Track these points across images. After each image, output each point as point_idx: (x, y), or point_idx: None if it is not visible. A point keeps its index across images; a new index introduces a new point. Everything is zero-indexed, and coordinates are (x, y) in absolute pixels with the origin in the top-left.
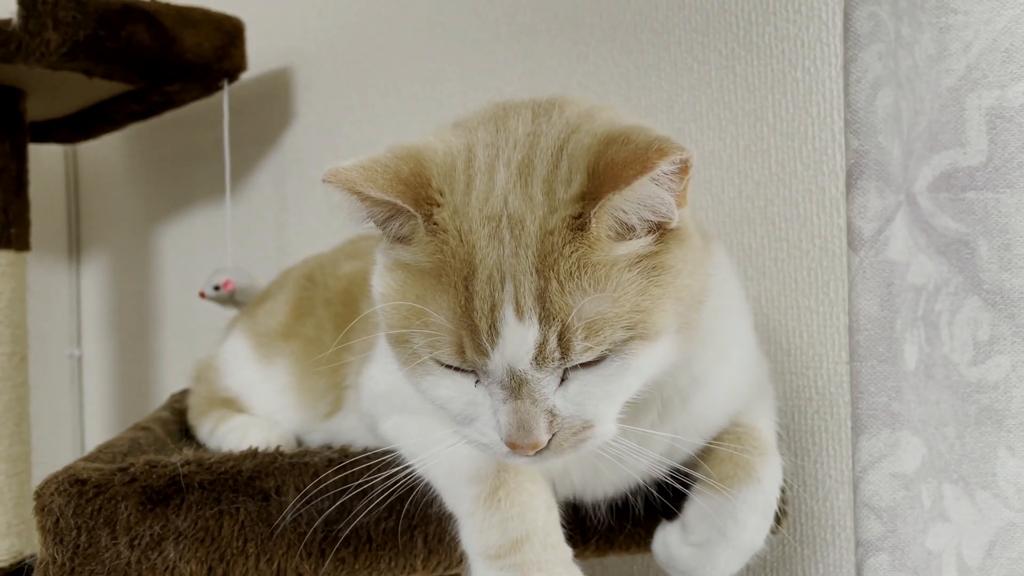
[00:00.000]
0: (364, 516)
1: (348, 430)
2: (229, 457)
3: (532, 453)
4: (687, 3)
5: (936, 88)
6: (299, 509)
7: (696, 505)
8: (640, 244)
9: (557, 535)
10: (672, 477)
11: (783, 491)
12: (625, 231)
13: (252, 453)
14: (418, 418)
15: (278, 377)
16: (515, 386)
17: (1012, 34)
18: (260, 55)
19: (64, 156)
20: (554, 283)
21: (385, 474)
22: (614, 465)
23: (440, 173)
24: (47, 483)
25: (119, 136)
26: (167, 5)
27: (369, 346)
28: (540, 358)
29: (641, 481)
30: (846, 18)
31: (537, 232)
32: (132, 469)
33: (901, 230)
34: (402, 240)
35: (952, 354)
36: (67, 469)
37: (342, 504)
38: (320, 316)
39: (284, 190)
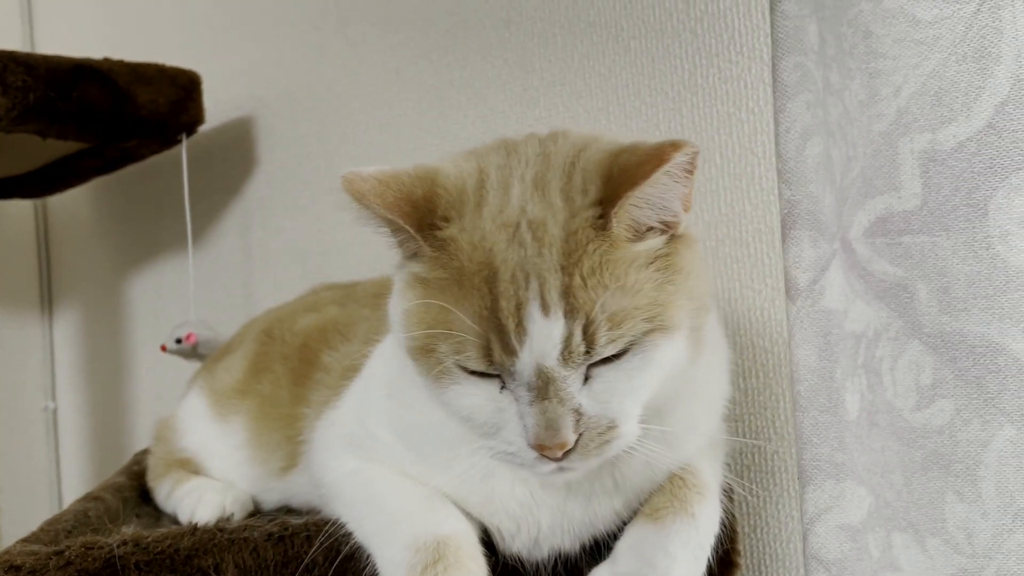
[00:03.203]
0: None
1: (304, 486)
2: (167, 535)
3: (560, 454)
4: (632, 47)
5: (868, 133)
6: None
7: (627, 535)
8: (655, 243)
9: None
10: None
11: (734, 538)
12: (641, 231)
13: (191, 530)
14: (376, 469)
15: (234, 434)
16: (542, 386)
17: (940, 77)
18: (220, 104)
19: (34, 210)
20: (578, 279)
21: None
22: (584, 504)
23: (449, 197)
24: None
25: (88, 188)
26: (120, 63)
27: (327, 399)
28: (566, 352)
29: (604, 529)
30: (774, 69)
31: (560, 233)
32: (67, 552)
33: (837, 278)
34: (415, 255)
35: (896, 400)
36: (2, 555)
37: None
38: (276, 372)
39: (249, 239)
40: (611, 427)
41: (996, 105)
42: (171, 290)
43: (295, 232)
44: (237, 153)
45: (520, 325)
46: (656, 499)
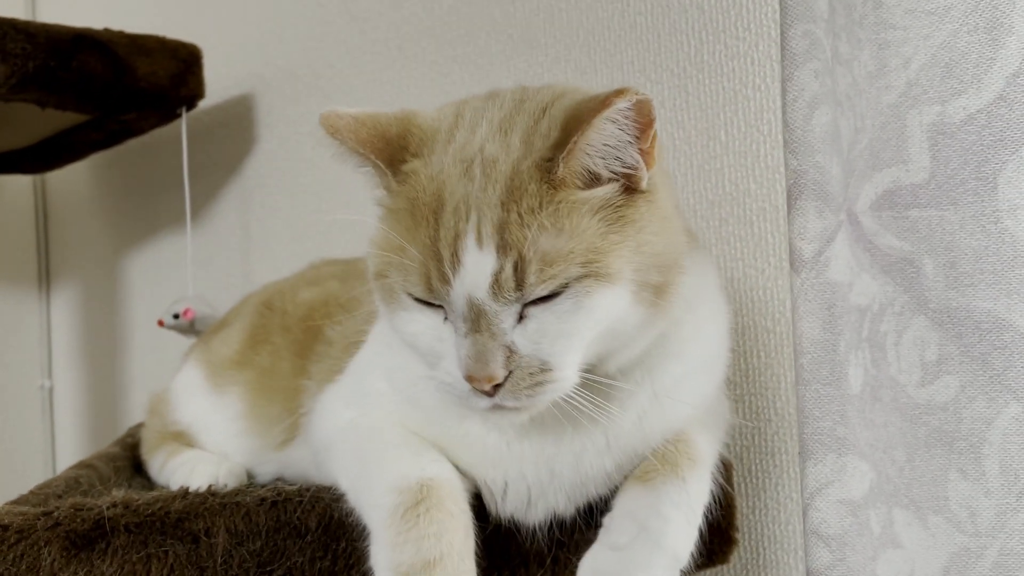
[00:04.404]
0: (298, 555)
1: (301, 460)
2: (158, 498)
3: (488, 388)
4: (639, 23)
5: (877, 105)
6: (230, 550)
7: (618, 502)
8: (604, 191)
9: (470, 564)
10: None
11: (732, 514)
12: (592, 180)
13: (182, 494)
14: (370, 420)
15: (230, 405)
16: (475, 318)
17: (951, 49)
18: (221, 81)
19: (33, 186)
20: (515, 215)
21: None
22: (574, 463)
23: (423, 135)
24: None
25: (86, 164)
26: (120, 33)
27: (329, 372)
28: (496, 287)
29: (596, 492)
30: (782, 36)
31: (508, 171)
32: (56, 513)
33: (842, 250)
34: (387, 189)
35: (899, 375)
36: None
37: (275, 544)
38: (276, 344)
39: (248, 216)
40: (544, 369)
41: (1007, 77)
42: (169, 267)
43: (294, 210)
44: (237, 130)
45: (455, 255)
46: (647, 463)
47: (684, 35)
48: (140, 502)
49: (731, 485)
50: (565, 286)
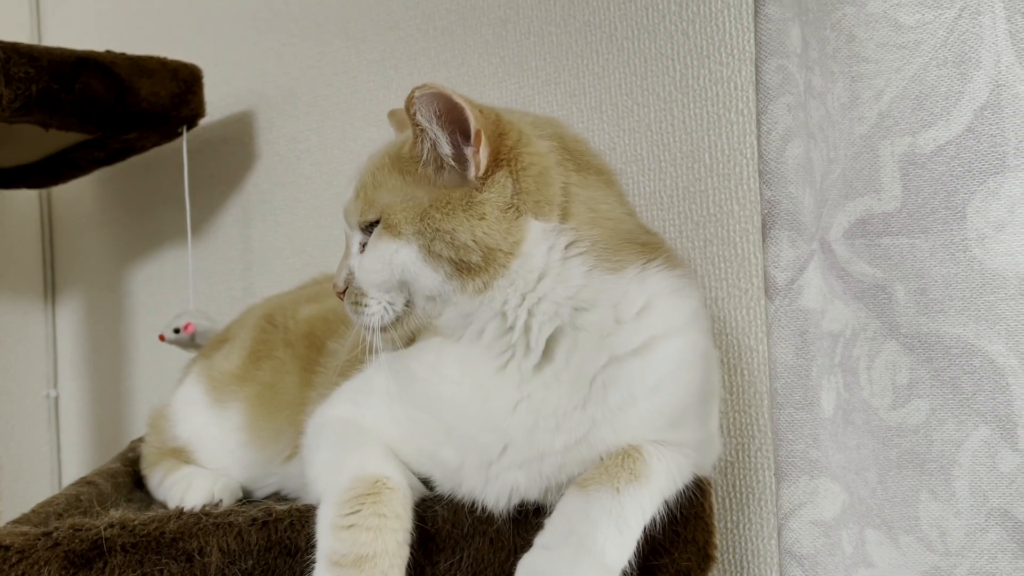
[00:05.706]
0: (288, 573)
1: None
2: (153, 519)
3: (335, 293)
4: (626, 48)
5: (849, 136)
6: (223, 569)
7: (558, 505)
8: (425, 169)
9: (399, 572)
10: None
11: (711, 531)
12: (427, 162)
13: (177, 514)
14: (356, 423)
15: (231, 419)
16: (347, 238)
17: (922, 81)
18: (221, 98)
19: (39, 200)
20: (370, 168)
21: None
22: (527, 436)
23: None
24: None
25: (91, 180)
26: (122, 55)
27: (331, 381)
28: (348, 213)
29: (550, 472)
30: (757, 71)
31: (396, 143)
32: (56, 533)
33: (815, 278)
34: None
35: (872, 399)
36: None
37: (266, 563)
38: (280, 359)
39: (248, 231)
40: (360, 294)
41: (975, 110)
42: (171, 281)
43: (293, 225)
44: (237, 147)
45: (353, 186)
46: (589, 471)
47: (670, 60)
48: (136, 522)
49: (710, 503)
50: (371, 227)
